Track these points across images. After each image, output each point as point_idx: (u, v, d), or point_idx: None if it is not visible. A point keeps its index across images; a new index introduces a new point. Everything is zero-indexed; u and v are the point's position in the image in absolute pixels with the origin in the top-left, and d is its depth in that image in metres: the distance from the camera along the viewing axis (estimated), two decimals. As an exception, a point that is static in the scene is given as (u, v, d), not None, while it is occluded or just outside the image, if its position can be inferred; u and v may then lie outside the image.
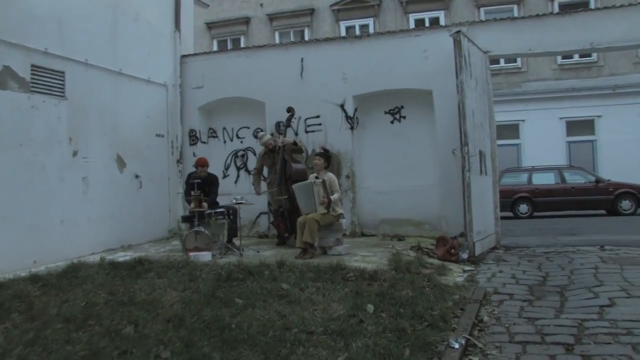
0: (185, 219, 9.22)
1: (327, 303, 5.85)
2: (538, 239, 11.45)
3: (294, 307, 5.66)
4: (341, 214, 8.70)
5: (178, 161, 11.93)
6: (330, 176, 8.70)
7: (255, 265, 7.46)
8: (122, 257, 8.98)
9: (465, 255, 8.65)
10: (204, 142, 12.30)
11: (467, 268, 8.20)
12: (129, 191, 10.54)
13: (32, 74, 8.46)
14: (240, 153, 12.16)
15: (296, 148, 9.87)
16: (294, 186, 8.84)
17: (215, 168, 11.88)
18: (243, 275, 7.02)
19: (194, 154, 11.97)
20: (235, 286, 6.56)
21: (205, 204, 9.04)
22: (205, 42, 24.59)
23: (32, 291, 6.37)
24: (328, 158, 8.91)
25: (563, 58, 20.81)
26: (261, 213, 11.53)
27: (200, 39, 23.92)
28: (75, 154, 9.26)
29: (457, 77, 8.87)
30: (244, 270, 7.20)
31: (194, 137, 12.20)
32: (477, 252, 8.84)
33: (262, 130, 10.91)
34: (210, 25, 25.36)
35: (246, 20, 25.03)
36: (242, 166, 12.11)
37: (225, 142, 12.30)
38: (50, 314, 5.46)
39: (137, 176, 10.73)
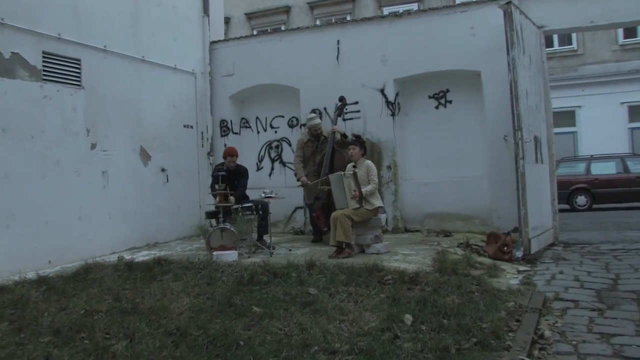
0: (210, 214, 8.53)
1: (358, 312, 5.06)
2: (601, 234, 10.35)
3: (318, 318, 4.88)
4: (379, 207, 7.85)
5: (209, 153, 11.28)
6: (368, 164, 7.88)
7: (282, 266, 6.73)
8: (144, 256, 8.37)
9: (519, 254, 7.69)
10: (236, 133, 11.62)
11: (522, 268, 7.26)
12: (155, 186, 9.94)
13: (44, 62, 7.88)
14: (274, 144, 11.42)
15: (345, 141, 8.95)
16: (330, 176, 8.03)
17: (248, 160, 11.28)
18: (267, 277, 6.30)
19: (225, 145, 11.23)
20: (256, 291, 5.84)
21: (232, 198, 8.35)
22: (244, 33, 23.79)
23: (34, 296, 5.80)
24: (362, 145, 8.05)
25: (625, 37, 19.34)
26: (297, 208, 10.79)
27: (240, 30, 23.36)
28: (93, 146, 8.69)
29: (508, 53, 7.89)
30: (269, 272, 6.49)
31: (225, 128, 11.53)
32: (533, 249, 7.86)
33: (313, 112, 10.06)
34: (250, 16, 24.76)
35: (286, 10, 24.30)
36: (276, 158, 11.38)
37: (258, 132, 11.58)
38: (41, 324, 4.84)
39: (163, 170, 10.12)
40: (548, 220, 8.96)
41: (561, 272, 6.87)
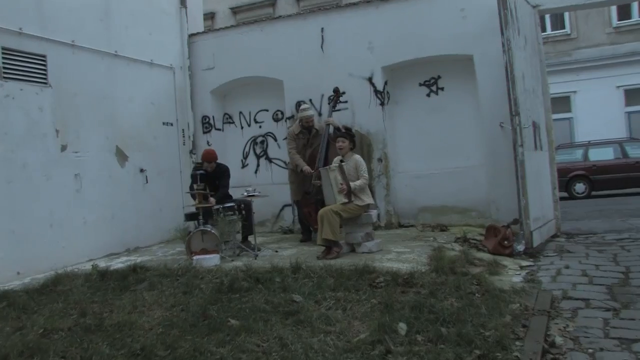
0: (189, 216, 7.99)
1: (346, 322, 4.55)
2: (604, 223, 9.86)
3: (302, 331, 4.37)
4: (370, 204, 7.33)
5: (191, 151, 10.73)
6: (357, 159, 7.34)
7: (266, 270, 6.23)
8: (122, 262, 7.89)
9: (521, 247, 7.19)
10: (219, 129, 11.07)
11: (524, 263, 6.75)
12: (133, 188, 9.39)
13: (4, 58, 7.31)
14: (259, 139, 10.88)
15: (338, 135, 8.33)
16: (321, 170, 7.49)
17: (233, 157, 10.85)
18: (249, 284, 5.82)
19: (208, 142, 10.78)
20: (235, 300, 5.34)
21: (212, 199, 7.82)
22: (229, 27, 23.35)
23: (-10, 314, 5.26)
24: (352, 137, 7.52)
25: (619, 19, 18.86)
26: (285, 205, 10.26)
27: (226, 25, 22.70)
28: (64, 148, 8.13)
29: (502, 33, 7.38)
30: (251, 278, 6.00)
31: (207, 124, 10.97)
32: (536, 242, 7.37)
33: (305, 103, 9.42)
34: (235, 10, 24.15)
35: (272, 3, 23.71)
36: (262, 154, 10.83)
37: (242, 127, 11.04)
38: (-10, 348, 4.30)
39: (142, 170, 9.57)
40: (549, 210, 8.47)
41: (567, 267, 6.37)
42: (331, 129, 8.37)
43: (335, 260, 6.70)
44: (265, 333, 4.33)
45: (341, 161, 7.28)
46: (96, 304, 5.53)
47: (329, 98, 8.79)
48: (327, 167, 7.29)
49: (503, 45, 7.37)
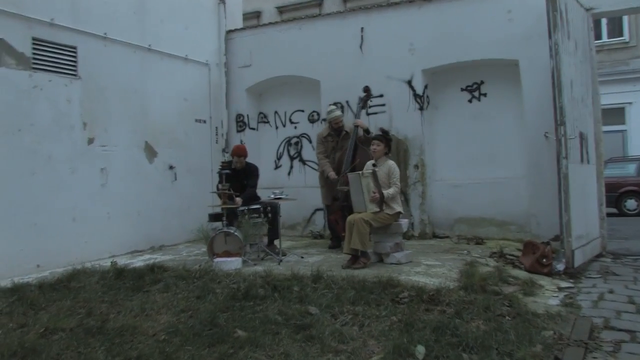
0: (213, 217, 7.75)
1: (361, 340, 4.19)
2: (656, 244, 9.21)
3: (311, 347, 4.04)
4: (400, 212, 6.95)
5: (224, 150, 10.53)
6: (390, 165, 6.97)
7: (285, 277, 5.92)
8: (144, 260, 7.71)
9: (561, 267, 6.69)
10: (253, 129, 10.84)
11: (563, 284, 6.26)
12: (161, 184, 9.24)
13: (34, 49, 7.24)
14: (294, 140, 10.60)
15: (367, 137, 7.98)
16: (349, 175, 7.16)
17: (266, 157, 10.63)
18: (265, 291, 5.51)
19: (241, 141, 10.55)
20: (248, 308, 5.04)
21: (238, 200, 7.57)
22: (275, 27, 23.22)
23: (-2, 309, 5.11)
24: (388, 142, 7.15)
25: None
26: (317, 209, 9.95)
27: (270, 24, 22.57)
28: (91, 141, 8.03)
29: (550, 37, 6.90)
30: (268, 285, 5.69)
31: (241, 123, 10.76)
32: (577, 262, 6.85)
33: (334, 104, 9.00)
34: (281, 9, 23.99)
35: (319, 3, 23.44)
36: (296, 155, 10.55)
37: (277, 127, 10.78)
38: (-15, 347, 4.10)
39: (171, 167, 9.42)
40: (595, 227, 7.91)
41: (611, 292, 5.83)
42: (360, 131, 8.01)
43: (360, 270, 6.36)
44: (272, 348, 4.02)
45: (374, 165, 6.92)
46: (105, 304, 5.32)
47: (359, 98, 8.40)
48: (360, 172, 6.92)
49: (550, 49, 6.88)
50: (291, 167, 10.61)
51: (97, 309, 5.12)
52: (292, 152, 10.59)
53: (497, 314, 4.73)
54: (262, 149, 10.77)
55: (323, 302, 5.03)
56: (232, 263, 6.89)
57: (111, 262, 7.04)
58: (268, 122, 10.85)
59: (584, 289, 6.07)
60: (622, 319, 4.86)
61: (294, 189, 9.92)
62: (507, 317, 4.68)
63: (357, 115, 8.39)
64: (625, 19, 18.75)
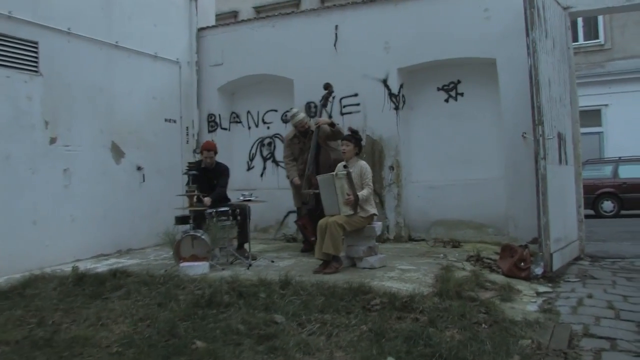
0: (179, 220, 7.43)
1: (328, 352, 3.93)
2: (634, 246, 9.06)
3: (274, 359, 3.75)
4: (374, 214, 6.69)
5: (194, 151, 10.18)
6: (362, 166, 6.70)
7: (252, 283, 5.64)
8: (110, 265, 7.42)
9: (539, 271, 6.48)
10: (225, 129, 10.54)
11: (541, 289, 6.05)
12: (129, 186, 8.91)
13: (-10, 43, 6.89)
14: (266, 141, 10.32)
15: (334, 131, 7.76)
16: (318, 177, 6.89)
17: (238, 158, 10.36)
18: (230, 298, 5.22)
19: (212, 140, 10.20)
20: (211, 317, 4.75)
21: (207, 201, 7.27)
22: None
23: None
24: (358, 141, 6.88)
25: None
26: (290, 212, 9.65)
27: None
28: (53, 140, 7.69)
29: (527, 35, 6.70)
30: (234, 291, 5.40)
31: (213, 123, 10.45)
32: (556, 266, 6.65)
33: (294, 108, 8.67)
34: (258, 9, 23.69)
35: (296, 2, 23.19)
36: (269, 156, 10.27)
37: (249, 128, 10.50)
38: None
39: (139, 168, 9.09)
40: (573, 230, 7.74)
41: (590, 296, 5.64)
42: (327, 129, 7.76)
43: (331, 275, 6.09)
44: (232, 361, 3.74)
45: (345, 166, 6.66)
46: (59, 313, 5.02)
47: (322, 96, 8.16)
48: (333, 173, 6.65)
49: (528, 47, 6.69)
50: (264, 168, 10.33)
51: (50, 319, 4.81)
52: (265, 152, 10.31)
53: (473, 321, 4.50)
54: (234, 149, 10.48)
55: (290, 310, 4.76)
56: (199, 268, 6.61)
57: (72, 267, 6.70)
58: (240, 122, 10.56)
59: (562, 293, 5.87)
60: (601, 326, 4.65)
61: (267, 190, 9.67)
62: (483, 325, 4.45)
63: (318, 114, 8.14)
64: (601, 21, 18.78)
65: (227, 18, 21.98)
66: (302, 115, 8.02)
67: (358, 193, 6.41)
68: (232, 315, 4.78)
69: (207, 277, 6.12)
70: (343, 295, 5.11)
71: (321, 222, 6.46)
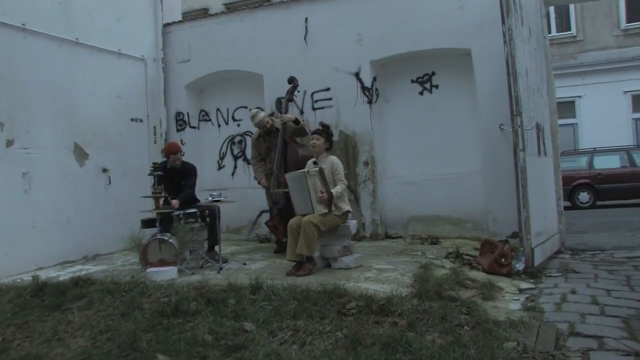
0: (146, 223, 7.08)
1: (301, 362, 3.64)
2: (612, 238, 8.94)
3: (241, 374, 3.47)
4: (348, 211, 6.42)
5: (163, 150, 9.80)
6: (332, 161, 6.40)
7: (221, 288, 5.34)
8: (74, 272, 7.03)
9: (520, 266, 6.28)
10: (194, 127, 10.19)
11: (524, 285, 5.84)
12: (94, 189, 8.52)
13: (-64, 40, 6.47)
14: (237, 139, 10.00)
15: (299, 127, 7.51)
16: (287, 176, 6.61)
17: (209, 157, 10.02)
18: (198, 305, 4.91)
19: (182, 141, 9.87)
20: (176, 326, 4.45)
21: (175, 202, 6.95)
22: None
23: None
24: (329, 136, 6.60)
25: (628, 21, 18.01)
26: (263, 211, 9.33)
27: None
28: (10, 143, 7.28)
29: (503, 22, 6.49)
30: (203, 297, 5.09)
31: (181, 122, 10.10)
32: (537, 260, 6.46)
33: (257, 108, 8.18)
34: (229, 6, 23.12)
35: (267, -1, 22.82)
36: (239, 154, 9.95)
37: (219, 126, 10.17)
38: None
39: (104, 170, 8.71)
40: (553, 223, 7.56)
41: (573, 292, 5.43)
42: (292, 125, 7.50)
43: (305, 278, 5.81)
44: (196, 377, 3.44)
45: (315, 162, 6.38)
46: (12, 327, 4.63)
47: (287, 91, 7.89)
48: (304, 171, 6.35)
49: (504, 35, 6.48)
50: (235, 167, 10.00)
51: (1, 335, 4.44)
52: (236, 151, 9.99)
53: (455, 324, 4.26)
54: (204, 148, 10.15)
55: (261, 317, 4.48)
56: (167, 273, 6.28)
57: (32, 277, 6.33)
58: (210, 120, 10.22)
59: (545, 289, 5.67)
60: (587, 323, 4.45)
61: (239, 190, 9.38)
62: (465, 327, 4.22)
63: (283, 110, 7.86)
64: (572, 13, 18.76)
65: (198, 15, 21.50)
66: (262, 114, 7.71)
67: (332, 190, 6.13)
68: (199, 324, 4.48)
69: (175, 283, 5.81)
70: (317, 299, 4.83)
71: (291, 222, 6.18)
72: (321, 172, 6.16)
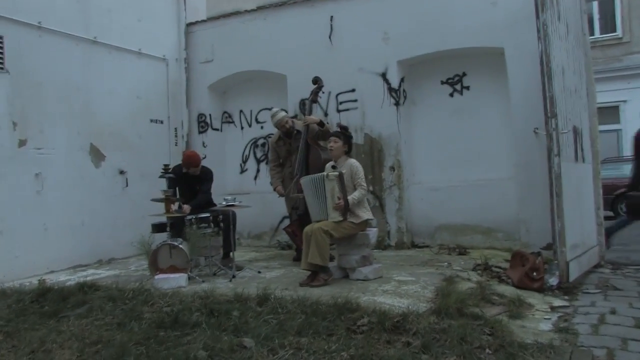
0: (157, 227, 6.79)
1: (297, 387, 3.25)
2: (658, 251, 8.30)
3: (229, 400, 3.10)
4: (368, 220, 6.01)
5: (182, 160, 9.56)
6: (352, 164, 6.00)
7: (227, 299, 5.00)
8: (85, 277, 6.87)
9: (554, 281, 5.75)
10: (216, 129, 9.91)
11: (556, 303, 5.33)
12: (110, 191, 8.31)
13: (-52, 37, 6.32)
14: (260, 141, 9.67)
15: (323, 130, 7.16)
16: (303, 179, 6.24)
17: (232, 161, 9.75)
18: (199, 317, 4.57)
19: (203, 143, 9.66)
20: (171, 339, 4.11)
21: (186, 207, 6.65)
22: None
23: None
24: (348, 139, 6.20)
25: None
26: (285, 217, 8.95)
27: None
28: (22, 143, 7.12)
29: (537, 16, 6.00)
30: (206, 308, 4.75)
31: (203, 123, 9.83)
32: (573, 275, 5.92)
33: (274, 107, 7.86)
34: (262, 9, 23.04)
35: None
36: (262, 158, 9.62)
37: (242, 128, 9.87)
38: None
39: (122, 172, 8.50)
40: (592, 235, 6.99)
41: (613, 312, 4.91)
42: (315, 127, 7.15)
43: (320, 289, 5.43)
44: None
45: (333, 167, 5.99)
46: (1, 336, 4.38)
47: (312, 92, 7.52)
48: (322, 174, 5.97)
49: (538, 31, 5.98)
50: (258, 170, 9.68)
51: (-12, 344, 4.18)
52: (259, 154, 9.67)
53: (475, 346, 3.81)
54: (226, 151, 9.87)
55: (263, 332, 4.10)
56: (175, 280, 6.00)
57: (38, 281, 6.12)
58: (233, 122, 9.94)
59: (580, 308, 5.15)
60: (629, 351, 3.93)
61: (261, 194, 9.05)
62: (487, 350, 3.76)
63: (307, 111, 7.49)
64: (618, 13, 17.95)
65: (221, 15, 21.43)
66: (282, 114, 7.37)
67: (348, 197, 5.73)
68: (197, 338, 4.12)
69: (181, 292, 5.51)
70: (326, 314, 4.43)
71: (307, 229, 5.80)
72: (340, 177, 5.78)
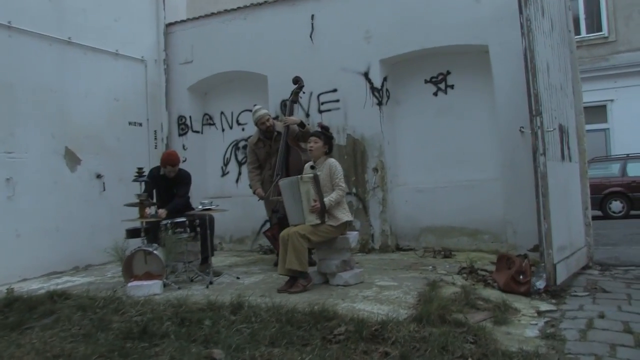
0: (131, 233, 6.55)
1: (265, 403, 3.04)
2: (647, 251, 8.16)
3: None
4: (348, 222, 5.81)
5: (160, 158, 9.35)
6: (331, 164, 5.79)
7: (199, 307, 4.78)
8: (59, 284, 6.68)
9: (541, 284, 5.56)
10: (197, 132, 9.70)
11: (543, 307, 5.14)
12: (86, 196, 8.08)
13: None
14: (241, 144, 9.45)
15: (304, 132, 6.97)
16: (280, 182, 6.03)
17: (213, 163, 9.52)
18: (169, 326, 4.35)
19: (184, 146, 9.45)
20: (137, 352, 3.91)
21: (162, 212, 6.43)
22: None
23: None
24: (328, 139, 5.99)
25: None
26: (267, 221, 8.74)
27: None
28: (-8, 147, 6.86)
29: (520, 12, 5.83)
30: (177, 317, 4.53)
31: (183, 126, 9.62)
32: (560, 278, 5.74)
33: (256, 105, 7.53)
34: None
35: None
36: (244, 160, 9.37)
37: (223, 130, 9.65)
38: None
39: (99, 176, 8.26)
40: (579, 236, 6.83)
41: (602, 316, 4.72)
42: (296, 128, 6.95)
43: (298, 295, 5.23)
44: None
45: (312, 167, 5.79)
46: (-43, 352, 4.14)
47: (292, 92, 7.32)
48: (298, 177, 5.78)
49: (522, 27, 5.80)
50: (239, 173, 9.45)
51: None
52: (240, 157, 9.44)
53: (457, 355, 3.62)
54: (207, 154, 9.65)
55: (234, 342, 3.89)
56: (149, 288, 5.80)
57: (7, 289, 5.89)
58: (214, 124, 9.72)
59: (568, 312, 4.97)
60: (618, 358, 3.74)
61: (243, 197, 8.83)
62: (469, 360, 3.57)
63: (287, 111, 7.29)
64: (604, 13, 17.87)
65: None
66: (263, 111, 7.15)
67: (325, 199, 5.53)
68: (165, 349, 3.91)
69: (153, 300, 5.29)
70: (302, 322, 4.23)
71: (283, 233, 5.60)
72: (315, 178, 5.58)
